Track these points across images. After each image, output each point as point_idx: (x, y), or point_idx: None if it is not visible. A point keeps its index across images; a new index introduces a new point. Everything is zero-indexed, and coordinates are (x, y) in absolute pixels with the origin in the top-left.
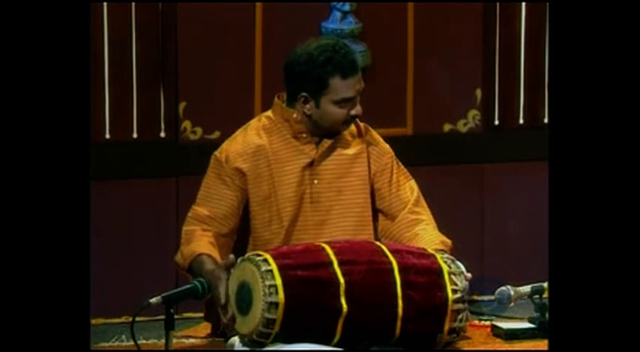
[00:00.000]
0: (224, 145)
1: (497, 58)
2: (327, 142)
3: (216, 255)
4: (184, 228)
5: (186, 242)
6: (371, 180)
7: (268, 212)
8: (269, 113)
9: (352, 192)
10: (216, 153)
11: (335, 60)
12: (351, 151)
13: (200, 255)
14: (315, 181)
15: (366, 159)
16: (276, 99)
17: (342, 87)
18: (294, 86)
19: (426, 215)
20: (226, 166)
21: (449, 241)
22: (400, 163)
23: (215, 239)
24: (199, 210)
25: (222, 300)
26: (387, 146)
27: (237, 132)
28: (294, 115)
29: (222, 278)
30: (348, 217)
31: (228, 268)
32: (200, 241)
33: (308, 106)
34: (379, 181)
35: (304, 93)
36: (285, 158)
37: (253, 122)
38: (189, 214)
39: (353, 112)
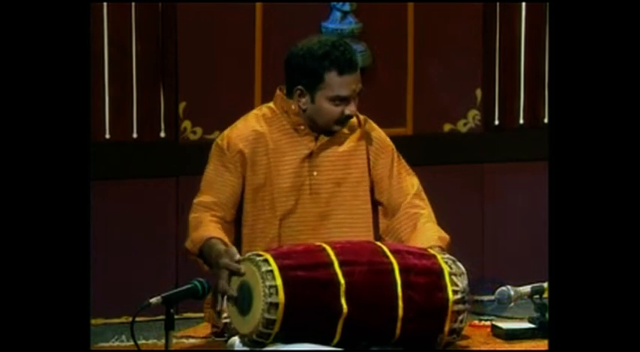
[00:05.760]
0: (225, 132)
1: (497, 58)
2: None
3: (225, 239)
4: (191, 215)
5: (195, 228)
6: (370, 173)
7: (262, 201)
8: (270, 104)
9: (352, 184)
10: (218, 140)
11: (332, 55)
12: (350, 144)
13: (210, 238)
14: (315, 173)
15: (366, 151)
16: (277, 90)
17: (338, 83)
18: (292, 78)
19: (426, 209)
20: (228, 153)
21: (447, 237)
22: (401, 157)
23: (222, 225)
24: (204, 197)
25: (238, 269)
26: (388, 139)
27: (238, 121)
28: (293, 107)
29: (236, 255)
30: (347, 209)
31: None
32: (209, 226)
33: (303, 100)
34: (379, 174)
35: (300, 87)
36: (283, 148)
37: (254, 111)
38: (195, 202)
39: (347, 112)
